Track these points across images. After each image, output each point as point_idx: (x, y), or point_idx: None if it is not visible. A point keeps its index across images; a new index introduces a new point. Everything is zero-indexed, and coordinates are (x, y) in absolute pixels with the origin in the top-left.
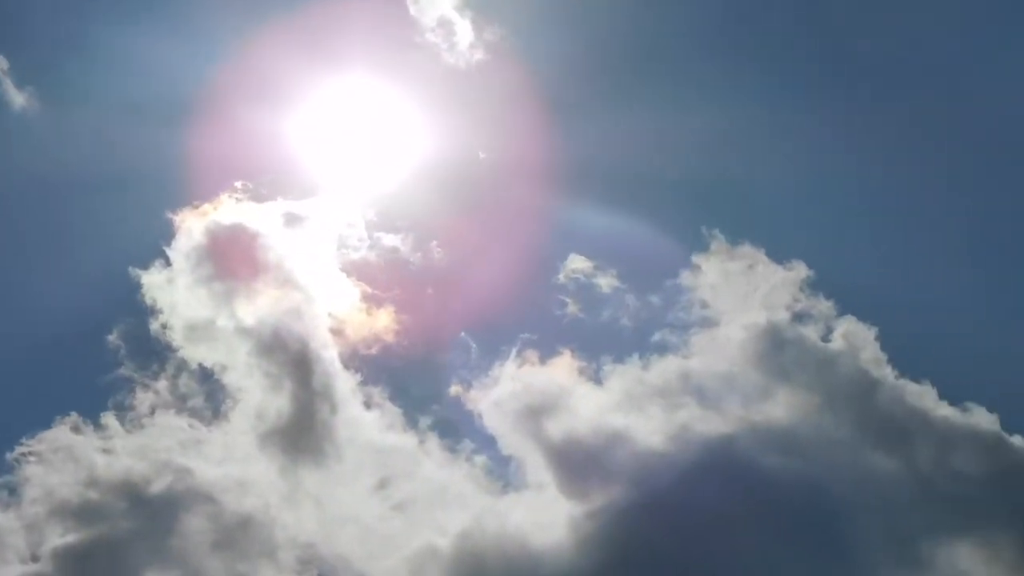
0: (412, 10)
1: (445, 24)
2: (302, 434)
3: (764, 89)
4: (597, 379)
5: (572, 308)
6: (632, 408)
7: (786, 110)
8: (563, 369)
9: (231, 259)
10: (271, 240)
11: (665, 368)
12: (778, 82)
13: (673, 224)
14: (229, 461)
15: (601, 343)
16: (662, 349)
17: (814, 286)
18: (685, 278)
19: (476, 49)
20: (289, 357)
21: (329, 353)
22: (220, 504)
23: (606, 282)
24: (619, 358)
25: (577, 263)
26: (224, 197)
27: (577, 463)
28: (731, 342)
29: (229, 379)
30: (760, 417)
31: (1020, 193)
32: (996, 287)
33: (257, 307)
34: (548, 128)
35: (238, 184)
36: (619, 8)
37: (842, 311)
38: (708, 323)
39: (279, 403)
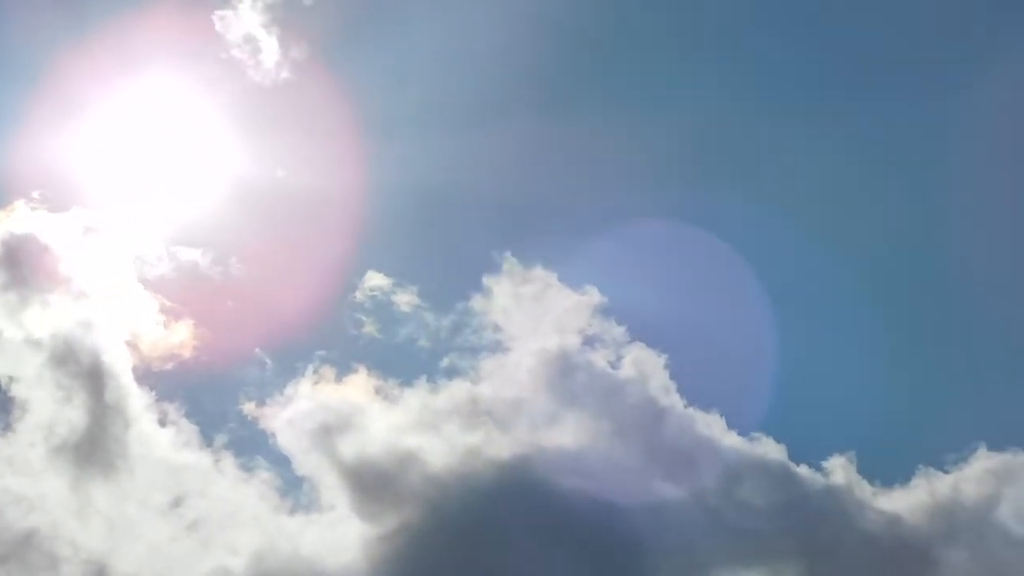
0: (218, 26)
1: (251, 41)
2: (93, 449)
3: (562, 113)
4: (392, 398)
5: (369, 327)
6: (426, 429)
7: (582, 136)
8: (358, 388)
9: (24, 268)
10: (67, 251)
11: (457, 390)
12: (576, 106)
13: (469, 245)
14: (15, 474)
15: (397, 362)
16: (453, 372)
17: (606, 312)
18: (477, 301)
19: (282, 67)
20: (81, 370)
21: (123, 367)
22: (4, 517)
23: (404, 300)
24: (414, 378)
25: (375, 280)
26: (19, 204)
27: (371, 484)
28: (521, 366)
29: (18, 390)
30: (550, 442)
31: (806, 230)
32: (784, 318)
33: (49, 318)
34: (352, 146)
35: (35, 193)
36: (429, 27)
37: (633, 338)
38: (499, 347)
39: (70, 416)
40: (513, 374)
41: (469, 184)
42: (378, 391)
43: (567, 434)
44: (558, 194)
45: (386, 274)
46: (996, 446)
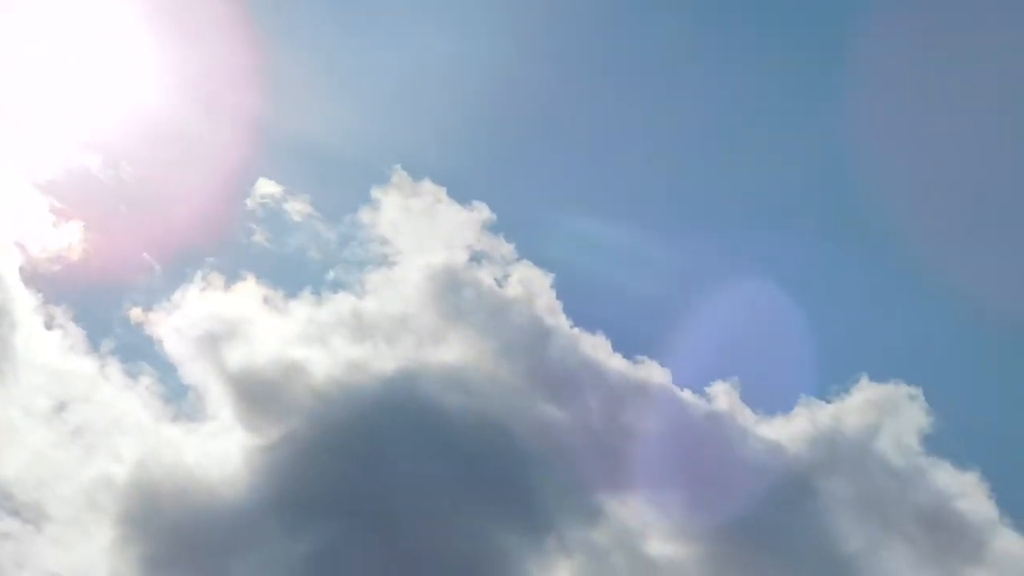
0: None
1: None
2: None
3: (459, 25)
4: (280, 309)
5: (259, 235)
6: (312, 341)
7: (478, 52)
8: (247, 297)
9: None
10: None
11: (343, 303)
12: (472, 20)
13: (361, 156)
14: None
15: (286, 272)
16: (339, 284)
17: (494, 228)
18: (365, 213)
19: None
20: None
21: (10, 268)
22: None
23: (296, 209)
24: (302, 289)
25: (267, 188)
26: None
27: (255, 394)
28: (408, 281)
29: None
30: (435, 358)
31: (687, 151)
32: (672, 241)
33: None
34: (247, 54)
35: None
36: None
37: (521, 256)
38: (386, 261)
39: None
40: (399, 289)
41: (363, 94)
42: (266, 300)
43: (452, 351)
44: (451, 107)
45: (278, 182)
46: (878, 377)
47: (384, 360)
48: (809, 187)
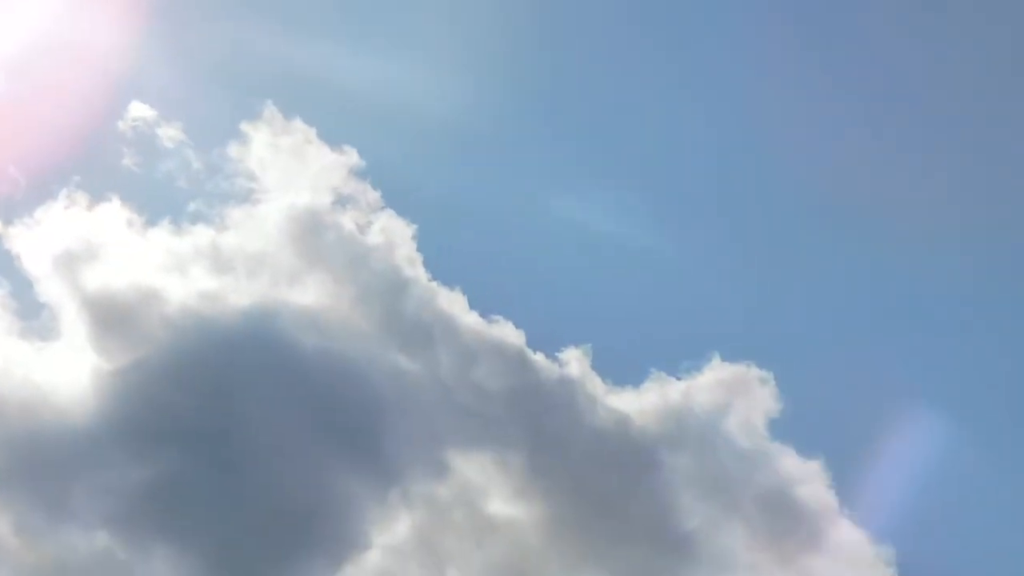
0: None
1: None
2: None
3: None
4: (141, 234)
5: (128, 158)
6: (170, 269)
7: None
8: (109, 219)
9: None
10: None
11: (203, 234)
12: None
13: (236, 88)
14: None
15: (151, 198)
16: (202, 216)
17: (362, 174)
18: (234, 147)
19: None
20: None
21: None
22: None
23: (169, 135)
24: (165, 216)
25: (140, 111)
26: None
27: (110, 317)
28: (269, 219)
29: None
30: (291, 298)
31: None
32: (538, 204)
33: None
34: None
35: None
36: None
37: (386, 204)
38: (250, 197)
39: None
40: (261, 226)
41: (245, 24)
42: (129, 224)
43: (308, 293)
44: (325, 47)
45: (152, 106)
46: (730, 357)
47: (240, 295)
48: (682, 163)
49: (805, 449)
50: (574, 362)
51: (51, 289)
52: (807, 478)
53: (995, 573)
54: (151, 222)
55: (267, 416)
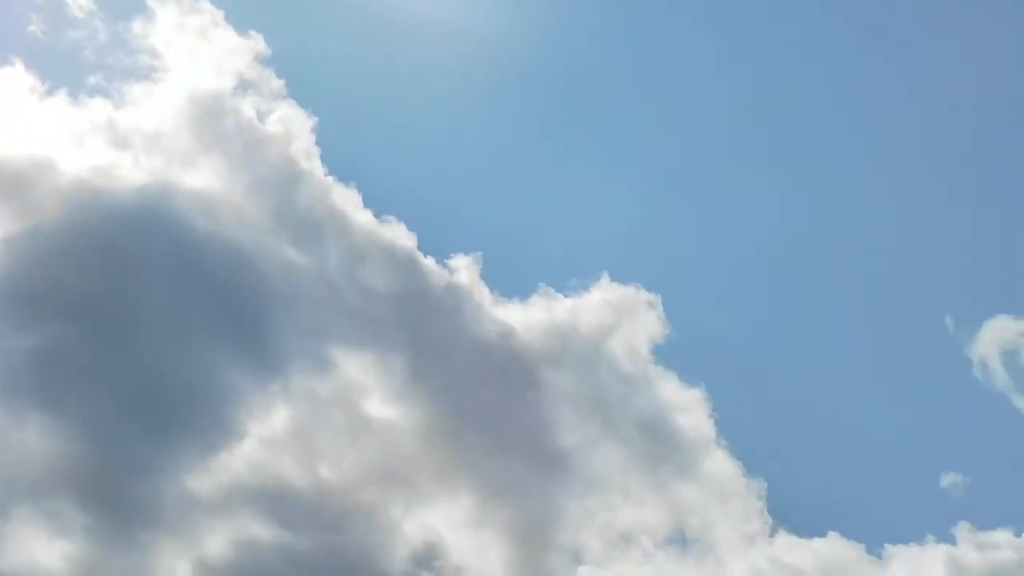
0: None
1: None
2: None
3: None
4: (43, 102)
5: (36, 24)
6: (68, 140)
7: None
8: (12, 84)
9: None
10: None
11: (102, 108)
12: None
13: None
14: None
15: (56, 67)
16: (102, 89)
17: (266, 62)
18: (139, 23)
19: None
20: None
21: None
22: None
23: (80, 3)
24: (67, 85)
25: None
26: None
27: (4, 185)
28: (170, 99)
29: None
30: (186, 180)
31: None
32: (444, 110)
33: None
34: None
35: None
36: None
37: (288, 94)
38: (152, 74)
39: None
40: (160, 105)
41: None
42: (31, 91)
43: (203, 177)
44: None
45: None
46: (619, 278)
47: (135, 173)
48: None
49: (688, 377)
50: (463, 269)
51: None
52: (687, 406)
53: (865, 508)
54: (51, 91)
55: (153, 296)
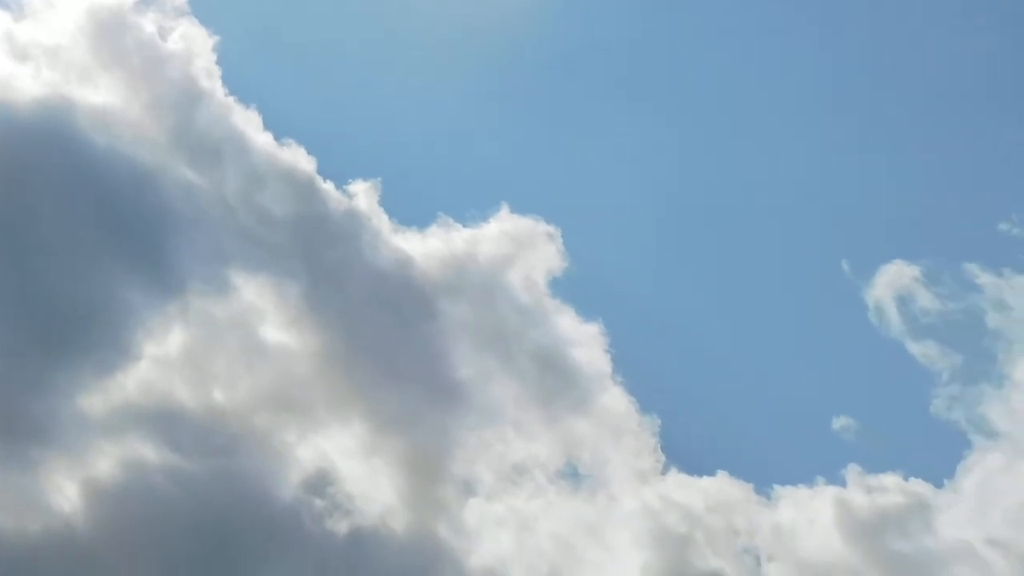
0: None
1: None
2: None
3: None
4: None
5: None
6: None
7: None
8: None
9: None
10: None
11: (2, 19)
12: None
13: None
14: None
15: None
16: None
17: None
18: None
19: None
20: None
21: None
22: None
23: None
24: None
25: None
26: None
27: None
28: (69, 13)
29: None
30: (85, 95)
31: None
32: (345, 37)
33: None
34: None
35: None
36: None
37: (191, 12)
38: None
39: None
40: (60, 18)
41: None
42: None
43: (102, 93)
44: None
45: None
46: (519, 209)
47: (34, 86)
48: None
49: (585, 311)
50: (362, 195)
51: None
52: (584, 340)
53: (757, 448)
54: None
55: (51, 211)
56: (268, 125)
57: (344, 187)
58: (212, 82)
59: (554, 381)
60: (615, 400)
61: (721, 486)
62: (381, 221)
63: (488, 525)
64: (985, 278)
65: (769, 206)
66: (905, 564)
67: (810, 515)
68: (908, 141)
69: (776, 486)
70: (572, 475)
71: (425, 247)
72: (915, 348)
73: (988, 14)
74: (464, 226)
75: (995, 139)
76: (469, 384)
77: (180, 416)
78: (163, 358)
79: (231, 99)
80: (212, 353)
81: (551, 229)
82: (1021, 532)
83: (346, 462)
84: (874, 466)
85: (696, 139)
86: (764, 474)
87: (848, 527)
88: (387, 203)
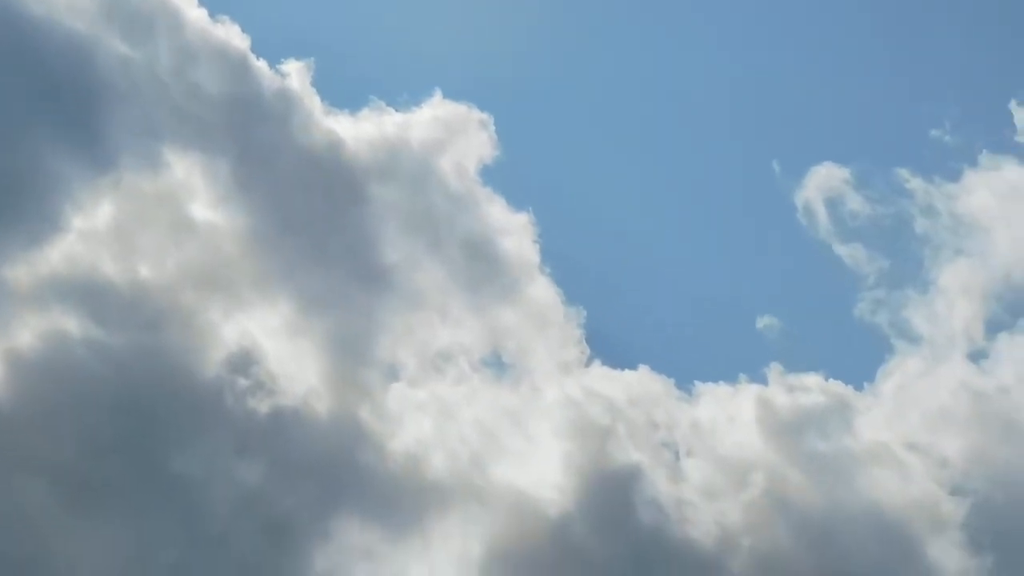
0: None
1: None
2: None
3: None
4: None
5: None
6: None
7: None
8: None
9: None
10: None
11: None
12: None
13: None
14: None
15: None
16: None
17: None
18: None
19: None
20: None
21: None
22: None
23: None
24: None
25: None
26: None
27: None
28: None
29: None
30: None
31: None
32: None
33: None
34: None
35: None
36: None
37: None
38: None
39: None
40: None
41: None
42: None
43: None
44: None
45: None
46: (452, 95)
47: None
48: None
49: (515, 200)
50: (295, 75)
51: None
52: (513, 230)
53: (680, 344)
54: None
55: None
56: (202, 0)
57: (277, 66)
58: None
59: (481, 269)
60: (542, 291)
61: (643, 380)
62: (313, 102)
63: (410, 410)
64: (915, 183)
65: (703, 103)
66: (823, 464)
67: (731, 412)
68: (844, 45)
69: (698, 382)
70: (496, 364)
71: (357, 130)
72: (842, 250)
73: None
74: (396, 111)
75: (930, 47)
76: (396, 269)
77: (105, 290)
78: (90, 231)
79: None
80: (140, 228)
81: (484, 116)
82: (938, 436)
83: (270, 342)
84: (796, 366)
85: (631, 35)
86: (686, 370)
87: (768, 425)
88: (320, 84)
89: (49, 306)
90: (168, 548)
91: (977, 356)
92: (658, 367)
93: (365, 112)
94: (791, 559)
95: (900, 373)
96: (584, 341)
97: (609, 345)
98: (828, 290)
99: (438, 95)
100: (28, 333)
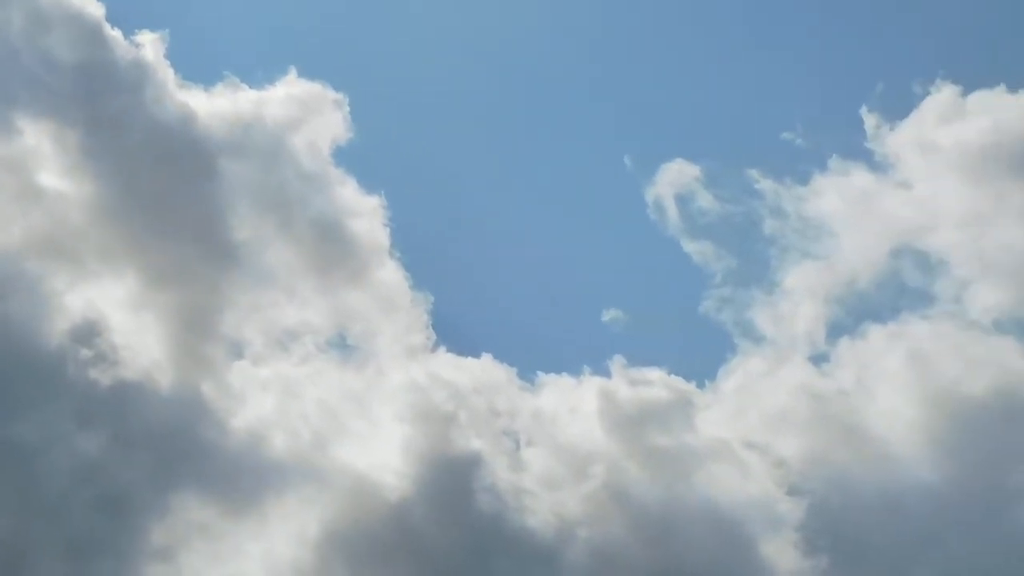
0: None
1: None
2: None
3: None
4: None
5: None
6: None
7: None
8: None
9: None
10: None
11: None
12: None
13: None
14: None
15: None
16: None
17: None
18: None
19: None
20: None
21: None
22: None
23: None
24: None
25: None
26: None
27: None
28: None
29: None
30: None
31: None
32: None
33: None
34: None
35: None
36: None
37: None
38: None
39: None
40: None
41: None
42: None
43: None
44: None
45: None
46: (307, 74)
47: None
48: None
49: (367, 183)
50: (150, 47)
51: None
52: (364, 212)
53: (525, 334)
54: None
55: None
56: None
57: (131, 37)
58: None
59: (331, 250)
60: (390, 274)
61: (486, 368)
62: (167, 75)
63: (253, 388)
64: (765, 184)
65: (557, 95)
66: (663, 458)
67: (573, 403)
68: (700, 43)
69: (541, 373)
70: (341, 345)
71: (210, 105)
72: (691, 247)
73: None
74: (251, 87)
75: (784, 51)
76: (245, 246)
77: None
78: None
79: None
80: None
81: (338, 96)
82: (777, 436)
83: (115, 313)
84: (640, 360)
85: (487, 22)
86: (530, 360)
87: (609, 418)
88: (174, 57)
89: None
90: (1, 517)
91: (818, 359)
92: (502, 356)
93: (219, 88)
94: (628, 552)
95: (742, 372)
96: (430, 327)
97: (455, 332)
98: (675, 286)
99: (293, 73)
100: None
